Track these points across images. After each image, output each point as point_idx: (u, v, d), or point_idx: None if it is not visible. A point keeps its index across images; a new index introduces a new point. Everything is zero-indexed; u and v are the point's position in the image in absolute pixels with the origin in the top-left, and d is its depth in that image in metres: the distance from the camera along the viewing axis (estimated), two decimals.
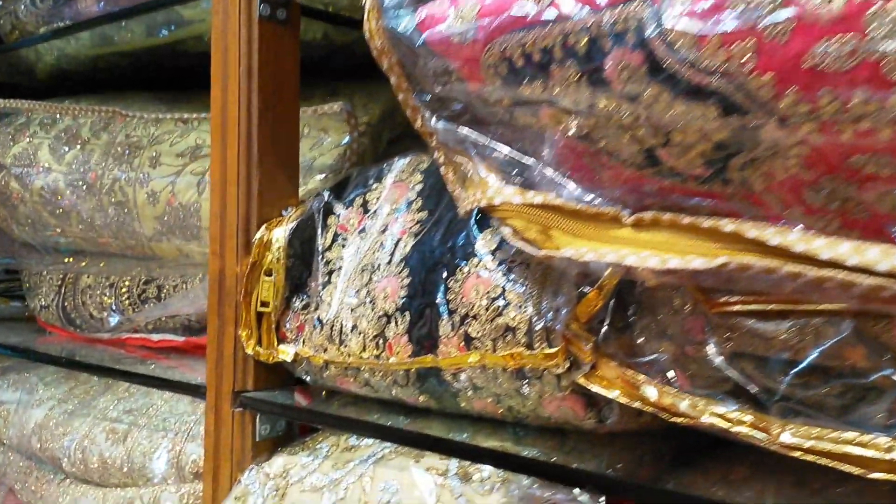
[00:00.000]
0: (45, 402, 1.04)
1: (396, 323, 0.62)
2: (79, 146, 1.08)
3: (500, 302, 0.56)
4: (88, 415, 0.95)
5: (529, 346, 0.54)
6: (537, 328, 0.53)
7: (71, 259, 1.14)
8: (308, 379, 0.71)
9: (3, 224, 1.19)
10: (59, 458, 0.95)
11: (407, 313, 0.62)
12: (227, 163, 0.73)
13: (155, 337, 0.99)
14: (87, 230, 1.08)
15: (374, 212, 0.71)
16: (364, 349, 0.64)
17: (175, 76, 1.15)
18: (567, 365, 0.53)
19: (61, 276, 1.13)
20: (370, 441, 0.66)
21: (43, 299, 1.13)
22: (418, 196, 0.69)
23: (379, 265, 0.66)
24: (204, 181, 0.97)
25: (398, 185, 0.71)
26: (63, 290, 1.11)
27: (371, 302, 0.64)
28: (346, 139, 0.88)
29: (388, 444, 0.65)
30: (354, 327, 0.65)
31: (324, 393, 0.73)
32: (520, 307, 0.55)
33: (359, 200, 0.73)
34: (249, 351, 0.72)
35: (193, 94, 1.10)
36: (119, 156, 1.04)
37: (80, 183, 1.06)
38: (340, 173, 0.89)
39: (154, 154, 1.02)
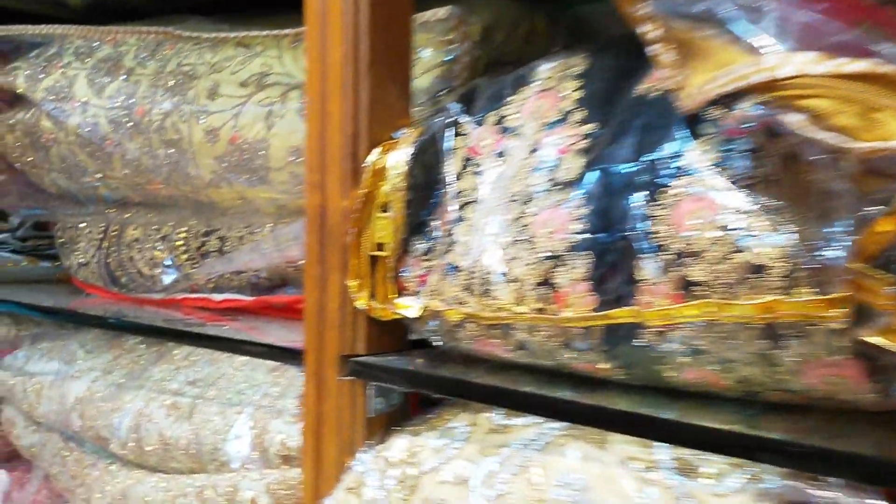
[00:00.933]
0: (86, 374, 0.90)
1: (570, 266, 0.48)
2: (122, 77, 0.93)
3: (738, 232, 0.41)
4: (141, 387, 0.81)
5: (787, 292, 0.39)
6: (803, 267, 0.39)
7: (113, 209, 1.00)
8: (435, 340, 0.57)
9: (33, 171, 1.05)
10: (107, 437, 0.82)
11: (586, 253, 0.47)
12: (328, 68, 0.58)
13: (217, 297, 0.85)
14: (133, 175, 0.93)
15: (516, 129, 0.56)
16: (520, 301, 0.49)
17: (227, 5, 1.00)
18: (852, 317, 0.38)
19: (103, 228, 0.98)
20: (524, 420, 0.51)
21: (81, 256, 0.99)
22: (579, 105, 0.54)
23: (535, 193, 0.51)
24: (273, 114, 0.82)
25: (545, 94, 0.56)
26: (106, 245, 0.96)
27: (528, 240, 0.50)
28: (450, 55, 0.72)
29: (554, 424, 0.50)
30: (505, 273, 0.50)
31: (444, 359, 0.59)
32: (769, 238, 0.40)
33: (492, 117, 0.57)
34: (361, 305, 0.57)
35: (251, 19, 0.95)
36: (171, 87, 0.89)
37: (125, 119, 0.91)
38: (438, 101, 0.74)
39: (212, 84, 0.87)
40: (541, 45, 0.85)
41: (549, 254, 0.48)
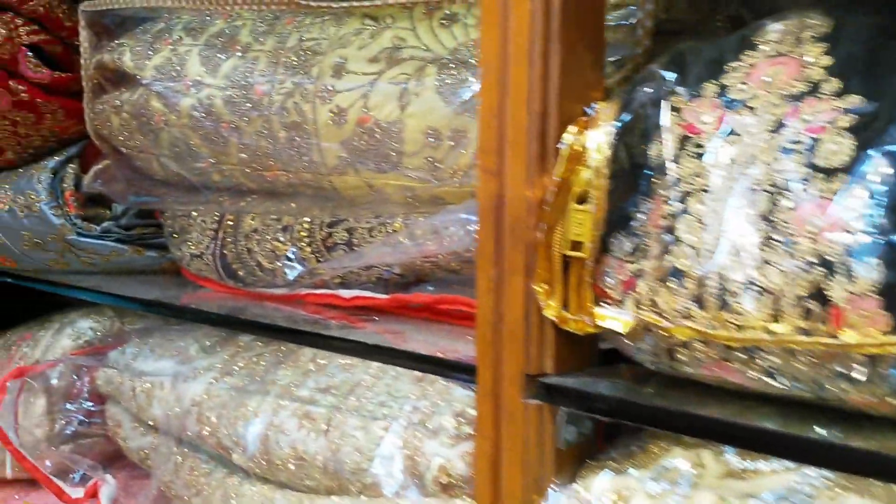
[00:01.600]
0: (202, 374, 0.84)
1: (849, 275, 0.37)
2: (238, 54, 0.86)
3: None
4: (267, 392, 0.73)
5: None
6: None
7: (226, 197, 0.92)
8: (644, 360, 0.47)
9: (140, 155, 0.98)
10: (230, 447, 0.75)
11: (872, 260, 0.37)
12: (510, 32, 0.49)
13: (345, 293, 0.77)
14: (250, 160, 0.86)
15: (744, 102, 0.46)
16: (777, 318, 0.40)
17: None
18: None
19: (217, 218, 0.91)
20: (772, 464, 0.42)
21: (193, 247, 0.93)
22: (830, 74, 0.43)
23: (789, 182, 0.41)
24: (408, 93, 0.73)
25: (782, 60, 0.46)
26: (221, 236, 0.89)
27: (787, 241, 0.40)
28: (631, 17, 0.62)
29: (811, 471, 0.40)
30: (754, 283, 0.40)
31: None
32: None
33: (711, 88, 0.47)
34: (550, 314, 0.48)
35: None
36: (292, 64, 0.81)
37: (242, 100, 0.84)
38: (614, 74, 0.64)
39: (338, 60, 0.78)
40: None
41: (818, 259, 0.38)
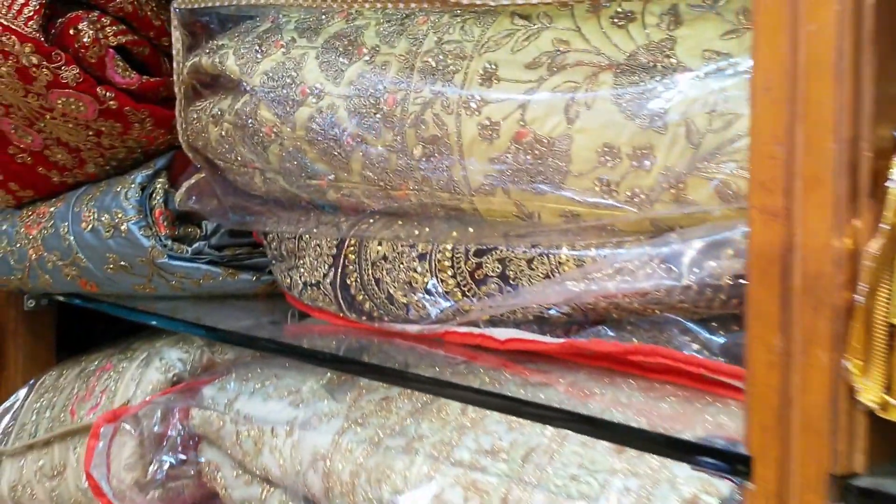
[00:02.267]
0: (325, 421, 0.74)
1: None
2: (365, 58, 0.76)
3: None
4: (415, 451, 0.63)
5: None
6: None
7: (343, 219, 0.82)
8: None
9: (242, 170, 0.89)
10: None
11: None
12: (806, 38, 0.38)
13: (499, 334, 0.66)
14: (377, 177, 0.76)
15: None
16: None
17: None
18: None
19: (335, 242, 0.81)
20: None
21: (307, 274, 0.83)
22: None
23: None
24: (576, 104, 0.63)
25: None
26: (342, 263, 0.79)
27: None
28: None
29: None
30: None
31: None
32: None
33: None
34: (868, 399, 0.37)
35: None
36: (430, 70, 0.71)
37: (371, 110, 0.74)
38: None
39: (487, 65, 0.68)
40: None
41: None
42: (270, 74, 0.81)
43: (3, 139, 0.98)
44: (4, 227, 1.07)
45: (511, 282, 0.67)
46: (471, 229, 0.72)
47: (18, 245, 1.03)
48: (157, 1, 0.95)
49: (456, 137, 0.70)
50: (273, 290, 1.02)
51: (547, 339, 0.64)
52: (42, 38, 0.84)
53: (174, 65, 0.91)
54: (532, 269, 0.66)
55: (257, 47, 0.83)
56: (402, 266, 0.74)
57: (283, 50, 0.81)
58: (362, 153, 0.76)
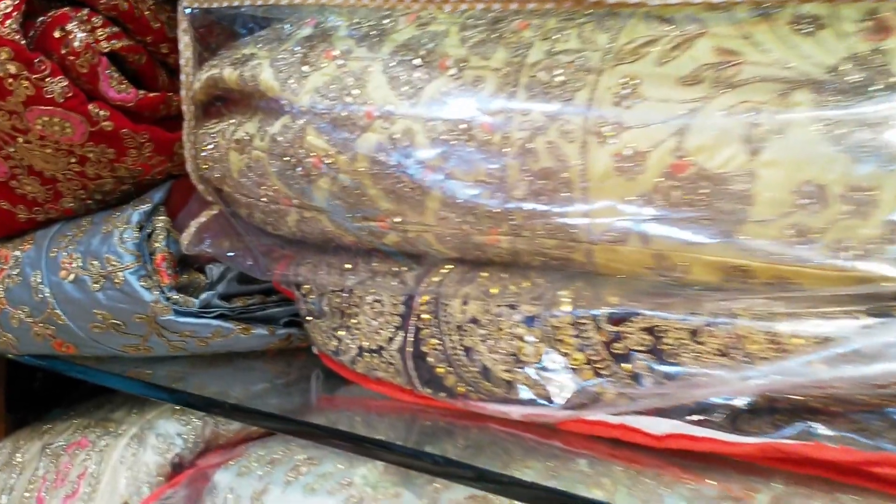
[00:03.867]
0: None
1: None
2: (450, 72, 0.60)
3: None
4: None
5: None
6: None
7: (405, 269, 0.66)
8: None
9: (271, 207, 0.72)
10: None
11: None
12: None
13: (652, 426, 0.51)
14: (462, 219, 0.61)
15: None
16: None
17: None
18: None
19: (402, 298, 0.65)
20: None
21: (364, 337, 0.66)
22: None
23: None
24: (762, 130, 0.49)
25: None
26: (414, 324, 0.63)
27: None
28: None
29: None
30: None
31: None
32: None
33: None
34: None
35: None
36: (542, 87, 0.57)
37: (461, 138, 0.59)
38: None
39: (623, 80, 0.54)
40: None
41: None
42: (323, 92, 0.64)
43: None
44: None
45: (667, 359, 0.52)
46: (592, 288, 0.58)
47: None
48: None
49: (579, 171, 0.55)
50: (287, 345, 0.86)
51: (732, 437, 0.49)
52: (22, 42, 0.66)
53: (182, 77, 0.73)
54: (699, 343, 0.52)
55: (300, 57, 0.67)
56: (501, 333, 0.59)
57: (338, 62, 0.65)
58: (443, 190, 0.61)
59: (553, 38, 0.59)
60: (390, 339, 0.65)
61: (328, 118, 0.64)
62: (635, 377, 0.53)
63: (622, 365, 0.54)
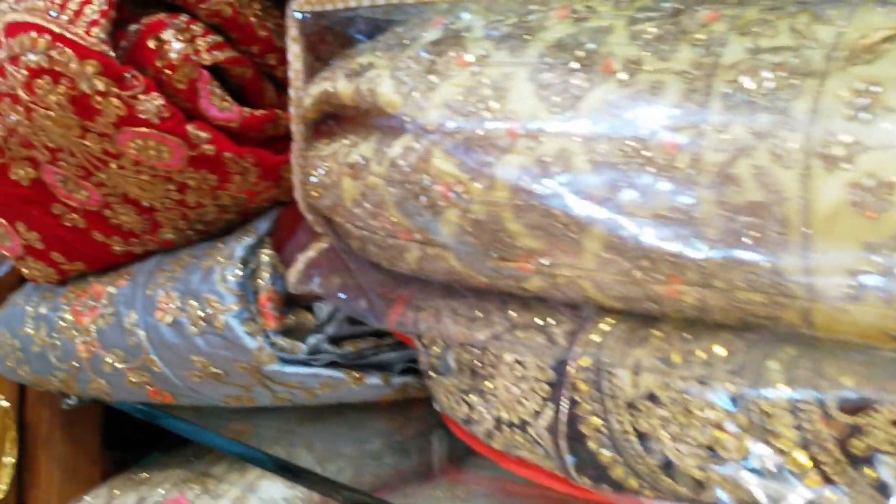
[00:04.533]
0: None
1: None
2: (617, 76, 0.48)
3: None
4: None
5: None
6: None
7: (554, 322, 0.54)
8: None
9: (385, 241, 0.61)
10: None
11: None
12: None
13: None
14: (632, 264, 0.48)
15: None
16: None
17: None
18: None
19: (550, 363, 0.52)
20: None
21: (501, 408, 0.54)
22: None
23: None
24: None
25: None
26: (568, 397, 0.51)
27: None
28: None
29: None
30: None
31: None
32: None
33: None
34: None
35: None
36: (744, 95, 0.44)
37: (635, 161, 0.46)
38: None
39: (858, 86, 0.41)
40: None
41: None
42: (455, 107, 0.53)
43: (45, 195, 0.71)
44: (43, 311, 0.79)
45: None
46: (811, 360, 0.44)
47: (62, 337, 0.76)
48: (262, 3, 0.69)
49: (799, 206, 0.42)
50: (403, 395, 0.75)
51: None
52: (111, 53, 0.58)
53: (291, 92, 0.64)
54: None
55: (427, 66, 0.56)
56: (691, 417, 0.46)
57: (471, 69, 0.53)
58: (607, 227, 0.48)
59: (754, 31, 0.46)
60: (537, 414, 0.52)
61: (460, 138, 0.52)
62: (882, 488, 0.39)
63: (862, 469, 0.40)
